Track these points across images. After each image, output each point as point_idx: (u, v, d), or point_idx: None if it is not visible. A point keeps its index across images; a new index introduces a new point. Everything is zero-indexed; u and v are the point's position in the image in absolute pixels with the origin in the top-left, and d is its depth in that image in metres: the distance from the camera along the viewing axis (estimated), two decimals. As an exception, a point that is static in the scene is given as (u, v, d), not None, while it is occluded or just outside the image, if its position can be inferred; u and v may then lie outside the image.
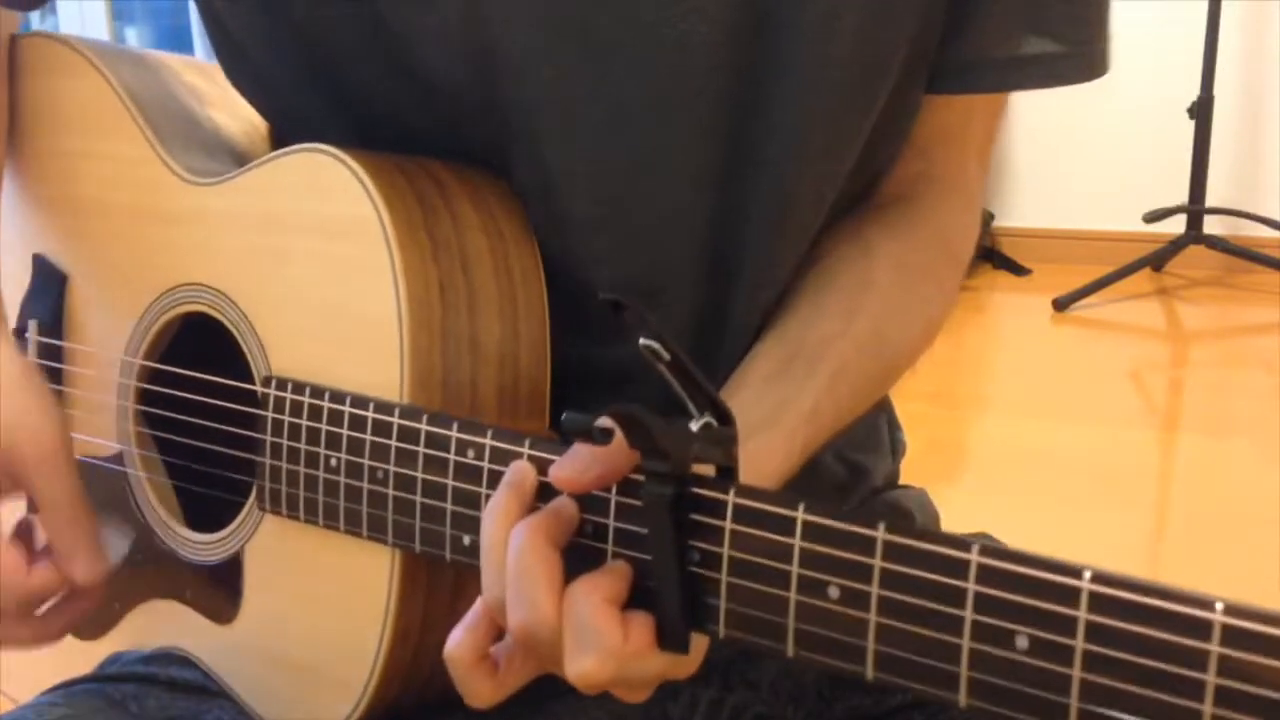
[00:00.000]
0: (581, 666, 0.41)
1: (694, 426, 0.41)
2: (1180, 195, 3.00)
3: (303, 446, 0.54)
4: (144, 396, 0.64)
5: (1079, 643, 0.35)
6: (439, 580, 0.53)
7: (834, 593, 0.39)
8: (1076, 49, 0.60)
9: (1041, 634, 0.35)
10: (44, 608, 0.61)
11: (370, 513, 0.52)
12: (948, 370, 2.49)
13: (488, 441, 0.48)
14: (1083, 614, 0.35)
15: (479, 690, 0.45)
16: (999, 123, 0.67)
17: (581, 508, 0.44)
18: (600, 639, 0.41)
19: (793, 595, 0.40)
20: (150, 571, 0.63)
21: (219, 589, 0.60)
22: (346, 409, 0.53)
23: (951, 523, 0.68)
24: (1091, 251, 3.17)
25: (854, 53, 0.53)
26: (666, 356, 0.40)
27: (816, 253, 0.60)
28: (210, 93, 0.69)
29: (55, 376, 0.69)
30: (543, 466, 0.45)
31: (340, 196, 0.53)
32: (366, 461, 0.52)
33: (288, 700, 0.57)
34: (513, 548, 0.43)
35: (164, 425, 0.64)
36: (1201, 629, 0.33)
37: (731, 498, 0.41)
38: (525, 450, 0.46)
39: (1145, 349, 2.76)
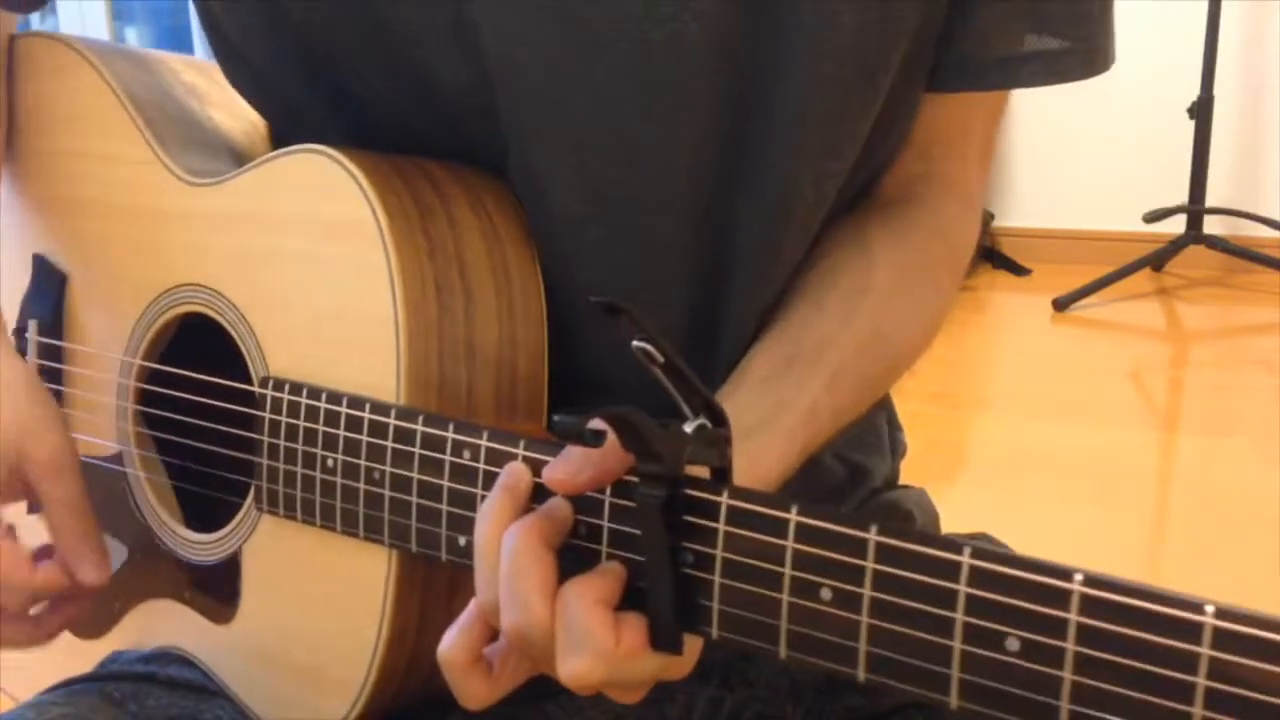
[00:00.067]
0: (573, 667, 0.41)
1: (688, 428, 0.41)
2: (1180, 195, 3.00)
3: (300, 447, 0.55)
4: (143, 396, 0.64)
5: (1070, 645, 0.35)
6: (435, 581, 0.53)
7: (826, 594, 0.39)
8: (1078, 45, 0.59)
9: (1032, 636, 0.35)
10: (38, 608, 0.61)
11: (366, 513, 0.52)
12: (948, 370, 2.49)
13: (483, 443, 0.48)
14: (1074, 616, 0.35)
15: (473, 691, 0.45)
16: (999, 123, 0.67)
17: (575, 509, 0.44)
18: (592, 640, 0.41)
19: (785, 597, 0.40)
20: (149, 571, 0.64)
21: (217, 589, 0.60)
22: (343, 410, 0.53)
23: (951, 523, 0.68)
24: (1091, 251, 3.17)
25: (853, 50, 0.53)
26: (660, 359, 0.40)
27: (816, 253, 0.60)
28: (210, 92, 0.69)
29: (55, 377, 0.69)
30: (538, 468, 0.45)
31: (336, 197, 0.53)
32: (363, 462, 0.52)
33: (285, 700, 0.57)
34: (506, 549, 0.43)
35: (163, 425, 0.64)
36: (1192, 632, 0.33)
37: (725, 499, 0.41)
38: (520, 452, 0.47)
39: (1145, 349, 2.76)
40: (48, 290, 0.69)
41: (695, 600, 0.42)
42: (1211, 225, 3.05)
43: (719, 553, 0.41)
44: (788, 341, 0.56)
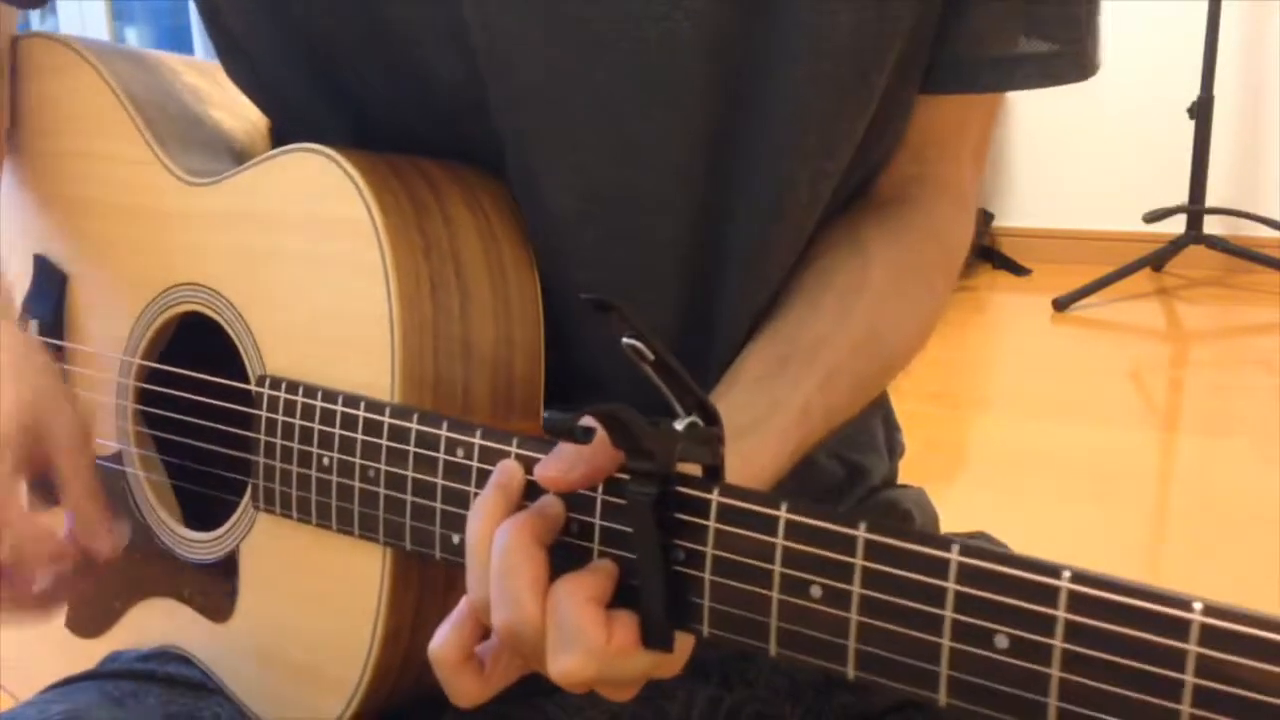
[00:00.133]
0: (564, 665, 0.41)
1: (679, 426, 0.41)
2: (1180, 195, 3.00)
3: (296, 445, 0.55)
4: (143, 396, 0.65)
5: (1058, 642, 0.35)
6: (430, 579, 0.53)
7: (816, 592, 0.39)
8: (1069, 48, 0.59)
9: (1021, 633, 0.35)
10: (43, 581, 0.61)
11: (362, 511, 0.53)
12: (948, 370, 2.49)
13: (477, 441, 0.48)
14: (1062, 613, 0.35)
15: (464, 689, 0.45)
16: (994, 124, 0.67)
17: (568, 507, 0.45)
18: (583, 637, 0.41)
19: (775, 594, 0.40)
20: (149, 570, 0.64)
21: (215, 587, 0.60)
22: (339, 408, 0.53)
23: (951, 522, 0.68)
24: (1091, 251, 3.17)
25: (850, 48, 0.53)
26: (650, 356, 0.40)
27: (811, 253, 0.60)
28: (210, 92, 0.70)
29: (54, 376, 0.69)
30: (531, 466, 0.45)
31: (332, 196, 0.54)
32: (358, 460, 0.52)
33: (282, 698, 0.57)
34: (498, 546, 0.43)
35: (162, 424, 0.64)
36: (1180, 629, 0.33)
37: (715, 496, 0.41)
38: (513, 450, 0.47)
39: (1145, 349, 2.76)
40: (48, 290, 0.69)
41: (686, 598, 0.42)
42: (1211, 225, 3.05)
43: (709, 550, 0.41)
44: (782, 341, 0.56)
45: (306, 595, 0.56)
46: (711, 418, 0.42)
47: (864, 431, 0.69)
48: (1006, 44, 0.59)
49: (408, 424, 0.50)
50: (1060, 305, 2.89)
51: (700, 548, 0.41)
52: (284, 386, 0.55)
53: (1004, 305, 3.18)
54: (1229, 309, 3.00)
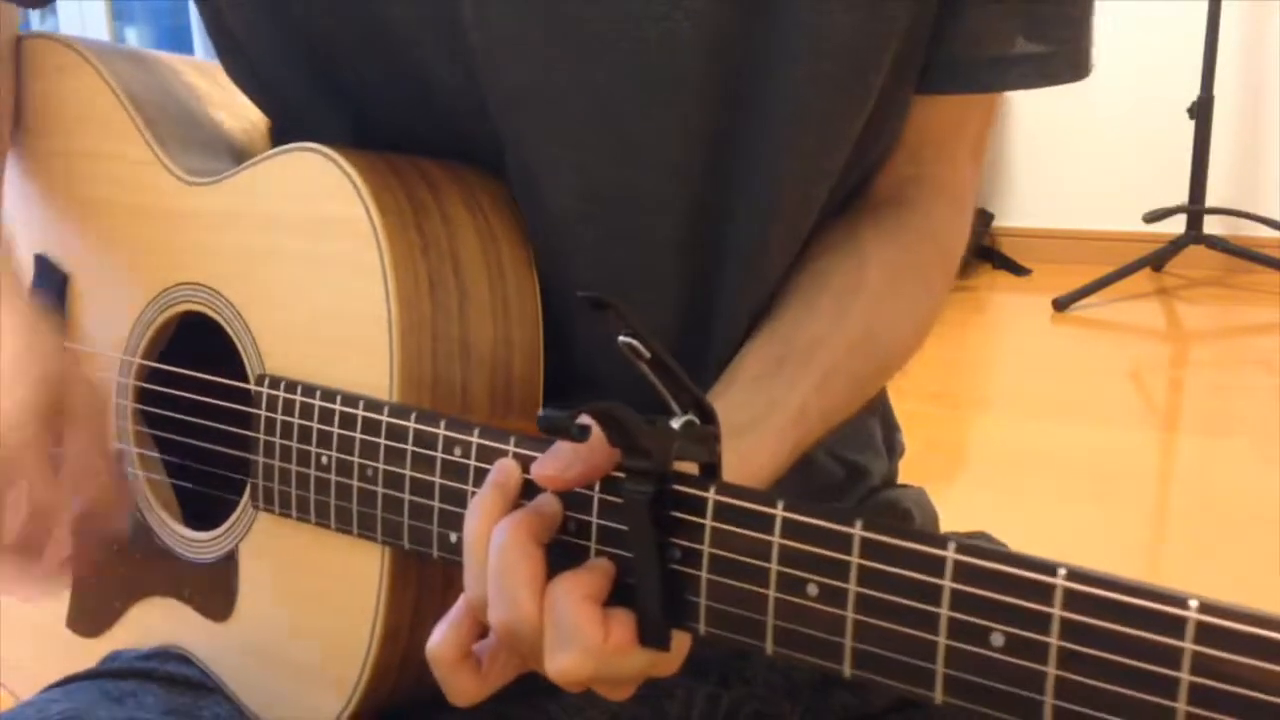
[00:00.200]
0: (561, 663, 0.41)
1: (675, 424, 0.41)
2: (1180, 195, 3.00)
3: (294, 444, 0.55)
4: (142, 395, 0.65)
5: (1054, 640, 0.35)
6: (429, 578, 0.54)
7: (812, 590, 0.39)
8: (1064, 48, 0.60)
9: (1017, 631, 0.35)
10: (52, 549, 0.60)
11: (360, 510, 0.53)
12: (948, 370, 2.49)
13: (474, 440, 0.48)
14: (1057, 611, 0.35)
15: (462, 688, 0.45)
16: (991, 125, 0.67)
17: (565, 505, 0.45)
18: (580, 636, 0.41)
19: (772, 592, 0.40)
20: (149, 569, 0.64)
21: (215, 587, 0.60)
22: (337, 407, 0.53)
23: (951, 522, 0.68)
24: (1091, 251, 3.17)
25: (849, 48, 0.53)
26: (647, 354, 0.40)
27: (808, 254, 0.60)
28: (210, 92, 0.70)
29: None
30: (528, 465, 0.45)
31: (331, 196, 0.54)
32: (356, 459, 0.52)
33: (281, 697, 0.58)
34: (495, 545, 0.43)
35: (162, 424, 0.64)
36: (1176, 626, 0.33)
37: (712, 495, 0.41)
38: (511, 448, 0.47)
39: (1145, 349, 2.76)
40: (49, 290, 0.69)
41: (683, 596, 0.42)
42: (1211, 225, 3.04)
43: (706, 548, 0.41)
44: (779, 341, 0.56)
45: (305, 594, 0.56)
46: (708, 416, 0.42)
47: (862, 430, 0.69)
48: (1003, 44, 0.59)
49: (405, 423, 0.50)
50: (1060, 305, 2.89)
51: (697, 546, 0.41)
52: (283, 386, 0.55)
53: (1004, 305, 3.18)
54: (1229, 309, 3.00)
